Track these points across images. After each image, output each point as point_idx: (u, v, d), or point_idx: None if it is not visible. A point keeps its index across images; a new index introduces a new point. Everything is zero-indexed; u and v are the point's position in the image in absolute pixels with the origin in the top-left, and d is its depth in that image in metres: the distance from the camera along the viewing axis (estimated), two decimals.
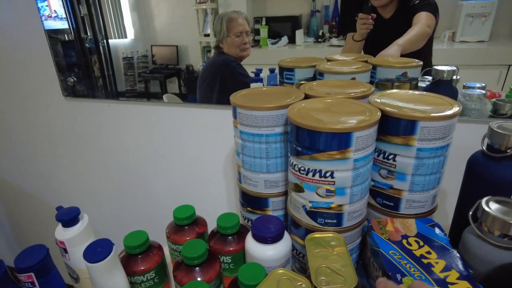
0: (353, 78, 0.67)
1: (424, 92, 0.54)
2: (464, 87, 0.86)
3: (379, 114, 0.44)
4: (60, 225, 0.46)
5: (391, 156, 0.47)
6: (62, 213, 0.46)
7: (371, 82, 0.74)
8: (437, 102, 0.49)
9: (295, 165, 0.47)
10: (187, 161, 0.92)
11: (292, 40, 1.50)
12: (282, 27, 1.56)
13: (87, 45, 1.38)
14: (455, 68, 0.75)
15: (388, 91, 0.54)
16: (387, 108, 0.46)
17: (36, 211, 1.44)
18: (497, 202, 0.41)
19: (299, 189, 0.48)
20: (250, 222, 0.61)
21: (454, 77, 0.76)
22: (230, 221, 0.55)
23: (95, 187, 1.15)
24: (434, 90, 0.79)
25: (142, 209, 0.99)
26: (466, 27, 1.34)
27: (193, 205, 0.59)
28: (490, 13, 1.32)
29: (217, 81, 1.14)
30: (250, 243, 0.51)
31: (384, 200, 0.51)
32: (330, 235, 0.46)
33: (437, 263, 0.41)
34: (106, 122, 1.03)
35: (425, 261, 0.41)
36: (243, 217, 0.63)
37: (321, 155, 0.43)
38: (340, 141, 0.42)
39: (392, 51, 0.86)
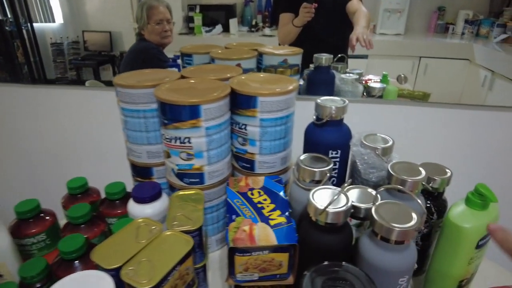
0: (238, 64, 0.77)
1: (281, 75, 0.65)
2: (346, 72, 1.00)
3: (227, 91, 0.54)
4: None
5: (243, 126, 0.58)
6: None
7: (259, 68, 0.85)
8: (283, 82, 0.60)
9: (163, 134, 0.56)
10: (96, 142, 0.97)
11: (226, 29, 1.55)
12: (217, 16, 1.60)
13: (7, 28, 1.31)
14: (331, 56, 0.88)
15: (250, 73, 0.65)
16: (236, 87, 0.56)
17: None
18: (310, 158, 0.53)
19: (168, 155, 0.57)
20: None
21: (331, 64, 0.89)
22: (116, 188, 0.63)
23: (8, 172, 1.16)
24: (315, 75, 0.92)
25: (55, 191, 1.03)
26: (384, 21, 1.50)
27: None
28: (403, 9, 1.49)
29: (137, 67, 1.18)
30: (131, 204, 0.59)
31: (243, 162, 0.61)
32: (192, 192, 0.56)
33: (268, 206, 0.52)
34: (21, 107, 1.04)
35: (259, 205, 0.52)
36: None
37: (180, 124, 0.53)
38: (191, 112, 0.51)
39: (361, 29, 0.96)
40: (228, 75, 0.64)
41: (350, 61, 1.04)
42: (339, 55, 0.99)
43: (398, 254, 0.39)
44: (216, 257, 0.65)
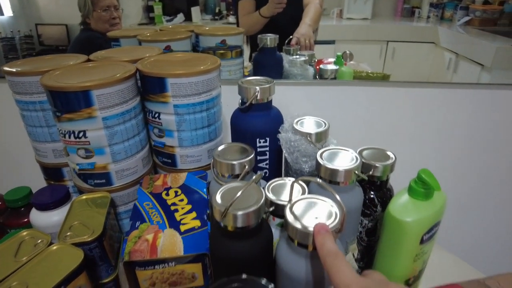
0: (168, 46, 0.68)
1: (203, 54, 0.57)
2: (298, 55, 0.92)
3: (128, 73, 0.45)
4: None
5: (156, 115, 0.49)
6: None
7: (196, 50, 0.76)
8: (203, 61, 0.51)
9: (59, 129, 0.47)
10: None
11: (188, 18, 1.45)
12: (178, 4, 1.50)
13: None
14: (276, 36, 0.80)
15: (167, 54, 0.56)
16: (143, 69, 0.47)
17: None
18: (232, 148, 0.45)
19: (67, 153, 0.48)
20: None
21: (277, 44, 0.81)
22: (18, 194, 0.53)
23: None
24: (260, 57, 0.84)
25: None
26: (351, 5, 1.44)
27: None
28: None
29: None
30: (33, 213, 0.50)
31: (164, 158, 0.53)
32: (98, 195, 0.48)
33: (183, 208, 0.44)
34: None
35: (173, 207, 0.44)
36: None
37: (73, 115, 0.44)
38: (83, 99, 0.43)
39: (305, 30, 0.92)
40: (146, 55, 0.55)
41: (316, 47, 0.99)
42: (291, 37, 0.92)
43: (319, 262, 0.32)
44: None
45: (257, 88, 0.47)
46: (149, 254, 0.37)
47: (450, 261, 0.57)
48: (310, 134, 0.47)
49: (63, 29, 1.39)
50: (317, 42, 1.00)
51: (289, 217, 0.32)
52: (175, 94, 0.47)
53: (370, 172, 0.45)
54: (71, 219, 0.44)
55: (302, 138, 0.46)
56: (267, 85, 0.47)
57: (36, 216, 0.50)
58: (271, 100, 0.50)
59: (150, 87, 0.48)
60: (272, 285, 0.29)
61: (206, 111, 0.50)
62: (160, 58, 0.53)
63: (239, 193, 0.33)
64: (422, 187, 0.40)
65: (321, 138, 0.47)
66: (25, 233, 0.42)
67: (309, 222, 0.32)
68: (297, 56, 0.86)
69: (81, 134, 0.44)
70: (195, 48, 0.76)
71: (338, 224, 0.31)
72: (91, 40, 1.21)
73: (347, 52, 0.80)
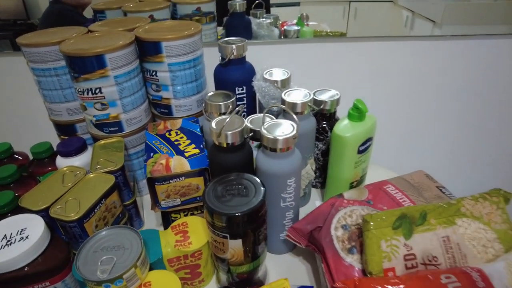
0: (151, 16, 0.78)
1: (186, 21, 0.68)
2: (264, 18, 1.03)
3: (131, 40, 0.57)
4: None
5: (153, 73, 0.62)
6: None
7: (174, 19, 0.87)
8: (187, 26, 0.63)
9: (76, 88, 0.58)
10: (16, 107, 0.96)
11: None
12: None
13: None
14: (245, 1, 0.91)
15: (156, 22, 0.68)
16: (141, 35, 0.59)
17: None
18: (216, 94, 0.59)
19: (84, 108, 0.60)
20: None
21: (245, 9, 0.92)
22: (42, 147, 0.65)
23: None
24: (232, 21, 0.95)
25: None
26: None
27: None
28: None
29: None
30: (59, 160, 0.63)
31: (161, 108, 0.66)
32: (114, 140, 0.60)
33: (184, 142, 0.58)
34: None
35: (176, 142, 0.58)
36: None
37: (89, 76, 0.55)
38: (98, 62, 0.54)
39: None
40: (137, 25, 0.66)
41: (281, 9, 1.08)
42: (257, 1, 1.02)
43: (285, 159, 0.48)
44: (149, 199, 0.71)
45: (234, 46, 0.60)
46: (165, 171, 0.51)
47: (387, 172, 0.75)
48: (276, 81, 0.61)
49: (19, 2, 1.38)
50: (282, 5, 1.09)
51: (264, 132, 0.47)
52: (169, 54, 0.59)
53: (322, 106, 0.60)
54: (97, 157, 0.57)
55: (271, 85, 0.60)
56: (241, 44, 0.60)
57: (61, 162, 0.62)
58: (244, 56, 0.63)
59: (147, 50, 0.59)
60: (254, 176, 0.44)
61: (194, 68, 0.63)
62: (151, 26, 0.64)
63: (228, 119, 0.47)
64: (357, 112, 0.56)
65: (285, 84, 0.62)
66: (65, 169, 0.54)
67: (277, 134, 0.47)
68: (264, 19, 0.98)
69: (97, 91, 0.56)
70: (173, 16, 0.87)
71: (296, 133, 0.47)
72: (62, 12, 1.24)
73: (304, 14, 0.93)
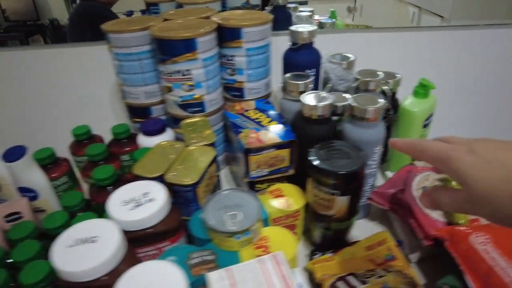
0: (207, 8, 0.83)
1: (255, 11, 0.74)
2: (299, 11, 1.09)
3: (216, 25, 0.62)
4: None
5: (231, 58, 0.67)
6: None
7: (224, 11, 0.92)
8: (259, 15, 0.69)
9: (162, 71, 0.63)
10: (77, 98, 0.98)
11: None
12: None
13: None
14: None
15: (226, 12, 0.73)
16: (222, 22, 0.64)
17: None
18: (293, 75, 0.64)
19: (169, 89, 0.65)
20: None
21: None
22: (121, 128, 0.69)
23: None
24: (274, 14, 1.00)
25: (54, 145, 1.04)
26: None
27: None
28: None
29: (87, 33, 1.10)
30: (141, 138, 0.67)
31: (234, 92, 0.71)
32: (198, 119, 0.65)
33: (264, 119, 0.63)
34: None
35: (257, 120, 0.63)
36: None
37: (179, 58, 0.60)
38: (189, 46, 0.59)
39: None
40: (208, 13, 0.71)
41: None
42: None
43: (373, 129, 0.53)
44: (222, 174, 0.76)
45: (306, 31, 0.66)
46: (258, 143, 0.56)
47: None
48: (343, 64, 0.67)
49: (29, 1, 1.40)
50: (290, 2, 1.16)
51: (355, 104, 0.53)
52: (247, 40, 0.64)
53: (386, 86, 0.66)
54: (188, 134, 0.61)
55: (338, 66, 0.66)
56: (313, 30, 0.66)
57: (144, 141, 0.67)
58: (313, 41, 0.69)
59: (228, 36, 0.65)
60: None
61: (265, 53, 0.68)
62: (227, 14, 0.69)
63: (322, 93, 0.53)
64: (423, 89, 0.63)
65: (350, 66, 0.68)
66: (163, 143, 0.59)
67: (367, 104, 0.52)
68: (301, 13, 1.04)
69: (186, 72, 0.61)
70: (223, 8, 0.92)
71: (385, 104, 0.52)
72: (94, 12, 1.25)
73: (351, 6, 1.00)
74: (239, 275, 0.40)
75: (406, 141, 0.36)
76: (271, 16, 0.67)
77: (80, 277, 0.39)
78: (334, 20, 1.05)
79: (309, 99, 0.55)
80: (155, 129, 0.66)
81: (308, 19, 1.03)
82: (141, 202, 0.47)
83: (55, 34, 1.06)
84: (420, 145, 0.33)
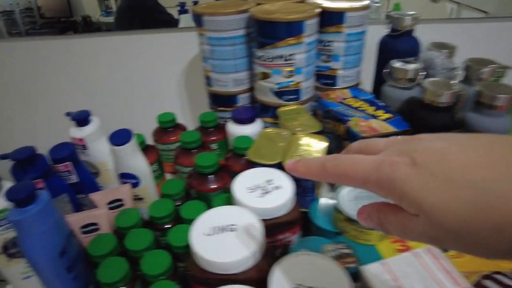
0: None
1: None
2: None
3: (319, 9, 0.59)
4: (73, 127, 0.52)
5: (328, 43, 0.64)
6: (76, 115, 0.51)
7: None
8: (355, 1, 0.65)
9: (261, 56, 0.60)
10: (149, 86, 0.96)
11: None
12: None
13: None
14: None
15: None
16: (324, 5, 0.61)
17: None
18: (399, 61, 0.61)
19: (266, 76, 0.62)
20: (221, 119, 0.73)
21: None
22: (209, 117, 0.67)
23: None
24: None
25: None
26: None
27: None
28: None
29: (135, 24, 1.06)
30: (231, 126, 0.64)
31: (325, 79, 0.68)
32: (293, 107, 0.62)
33: (368, 108, 0.60)
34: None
35: (360, 109, 0.60)
36: None
37: (283, 42, 0.57)
38: (296, 28, 0.56)
39: None
40: None
41: None
42: None
43: (500, 118, 0.50)
44: None
45: (409, 18, 0.62)
46: (371, 132, 0.53)
47: None
48: (444, 52, 0.63)
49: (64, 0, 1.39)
50: None
51: (485, 91, 0.49)
52: (349, 25, 0.61)
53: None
54: (289, 122, 0.58)
55: (441, 55, 0.63)
56: (416, 15, 0.63)
57: (234, 129, 0.64)
58: (413, 29, 0.65)
59: (329, 20, 0.61)
60: None
61: (361, 40, 0.65)
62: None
63: (449, 80, 0.49)
64: None
65: (452, 54, 0.64)
66: (268, 130, 0.56)
67: (495, 92, 0.49)
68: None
69: (289, 57, 0.58)
70: None
71: None
72: (141, 5, 1.21)
73: None
74: (398, 269, 0.37)
75: (308, 162, 0.25)
76: (368, 2, 0.64)
77: (226, 269, 0.36)
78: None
79: (432, 85, 0.52)
80: (247, 118, 0.63)
81: (377, 10, 1.00)
82: (268, 189, 0.44)
83: (87, 30, 1.03)
84: (333, 166, 0.23)
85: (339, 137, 0.58)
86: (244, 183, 0.45)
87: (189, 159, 0.61)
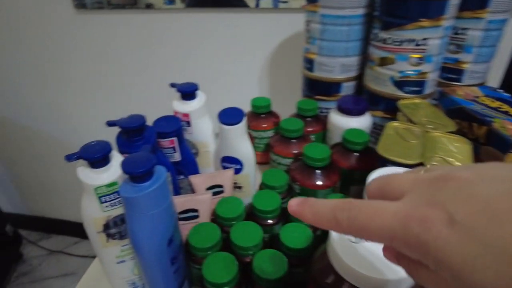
0: None
1: None
2: None
3: None
4: (177, 100, 0.46)
5: (462, 31, 0.54)
6: (182, 86, 0.46)
7: None
8: None
9: (385, 38, 0.52)
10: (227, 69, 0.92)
11: None
12: None
13: None
14: None
15: None
16: None
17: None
18: None
19: (389, 61, 0.53)
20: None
21: None
22: (310, 105, 0.60)
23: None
24: None
25: None
26: None
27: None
28: None
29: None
30: (335, 117, 0.57)
31: (449, 73, 0.58)
32: (417, 100, 0.53)
33: (511, 110, 0.50)
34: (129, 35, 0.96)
35: (501, 109, 0.50)
36: None
37: (415, 24, 0.48)
38: (439, 8, 0.47)
39: None
40: None
41: None
42: None
43: None
44: None
45: None
46: None
47: None
48: None
49: None
50: None
51: None
52: (494, 10, 0.51)
53: None
54: (415, 117, 0.50)
55: None
56: None
57: (339, 120, 0.56)
58: None
59: (470, 3, 0.52)
60: None
61: (501, 30, 0.55)
62: None
63: None
64: None
65: None
66: (395, 124, 0.48)
67: None
68: None
69: (422, 42, 0.50)
70: None
71: None
72: None
73: None
74: None
75: (316, 208, 0.19)
76: None
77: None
78: None
79: None
80: (357, 109, 0.55)
81: None
82: None
83: None
84: (348, 219, 0.18)
85: (476, 141, 0.48)
86: None
87: (288, 149, 0.55)
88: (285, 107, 0.65)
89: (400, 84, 0.54)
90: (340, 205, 0.18)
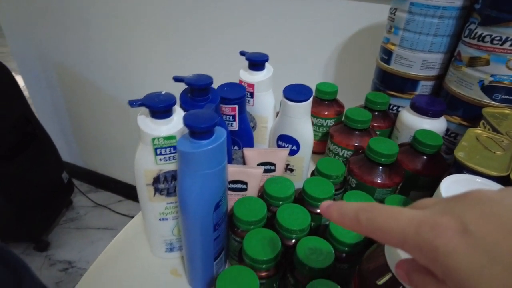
0: None
1: None
2: None
3: None
4: (245, 70, 0.45)
5: None
6: (252, 55, 0.44)
7: None
8: None
9: (484, 36, 0.46)
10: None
11: None
12: None
13: None
14: None
15: None
16: None
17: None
18: None
19: (482, 62, 0.47)
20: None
21: None
22: (382, 98, 0.55)
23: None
24: None
25: None
26: None
27: None
28: None
29: None
30: (407, 116, 0.52)
31: (504, 95, 0.49)
32: (507, 111, 0.47)
33: None
34: None
35: None
36: None
37: None
38: None
39: None
40: None
41: None
42: None
43: None
44: None
45: None
46: None
47: None
48: None
49: None
50: None
51: None
52: None
53: None
54: (505, 128, 0.44)
55: None
56: None
57: (410, 119, 0.51)
58: None
59: None
60: None
61: None
62: None
63: None
64: None
65: None
66: (478, 131, 0.42)
67: None
68: None
69: None
70: None
71: None
72: None
73: None
74: None
75: (342, 208, 0.20)
76: None
77: None
78: None
79: None
80: (435, 110, 0.50)
81: None
82: None
83: None
84: (367, 219, 0.18)
85: None
86: (454, 189, 0.33)
87: (349, 140, 0.51)
88: (350, 98, 0.62)
89: (489, 89, 0.48)
90: (364, 206, 0.19)
